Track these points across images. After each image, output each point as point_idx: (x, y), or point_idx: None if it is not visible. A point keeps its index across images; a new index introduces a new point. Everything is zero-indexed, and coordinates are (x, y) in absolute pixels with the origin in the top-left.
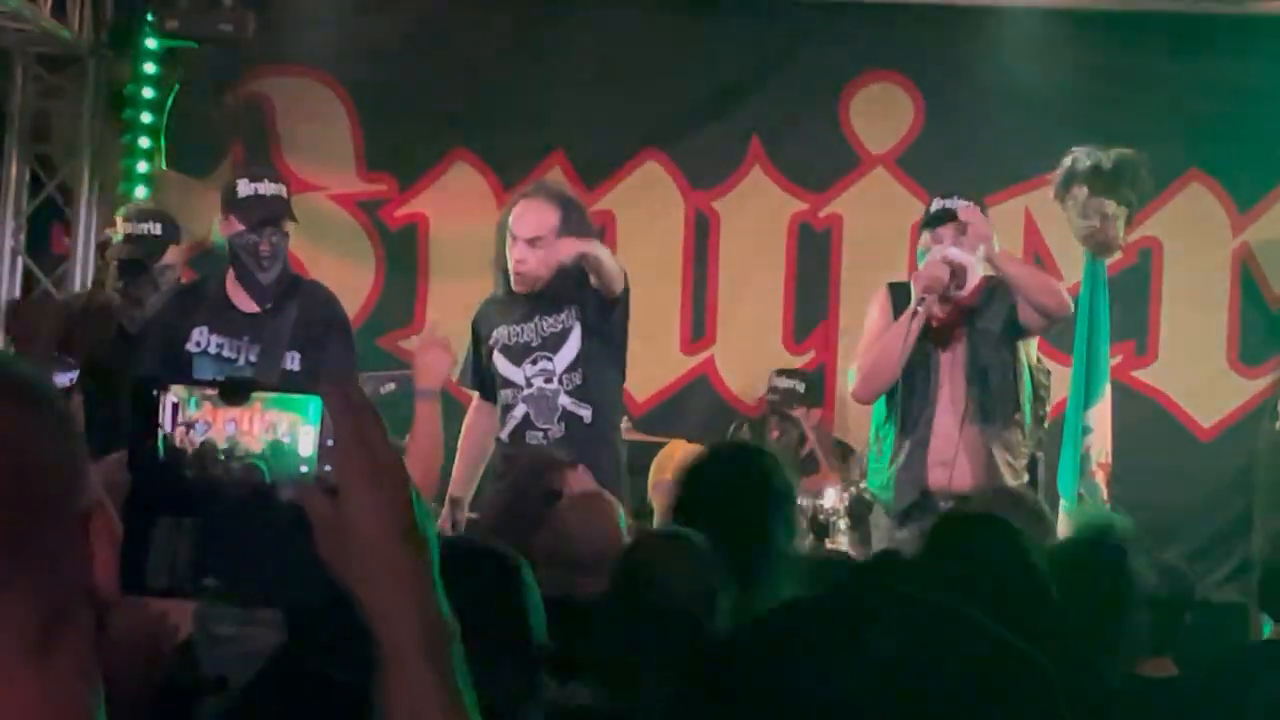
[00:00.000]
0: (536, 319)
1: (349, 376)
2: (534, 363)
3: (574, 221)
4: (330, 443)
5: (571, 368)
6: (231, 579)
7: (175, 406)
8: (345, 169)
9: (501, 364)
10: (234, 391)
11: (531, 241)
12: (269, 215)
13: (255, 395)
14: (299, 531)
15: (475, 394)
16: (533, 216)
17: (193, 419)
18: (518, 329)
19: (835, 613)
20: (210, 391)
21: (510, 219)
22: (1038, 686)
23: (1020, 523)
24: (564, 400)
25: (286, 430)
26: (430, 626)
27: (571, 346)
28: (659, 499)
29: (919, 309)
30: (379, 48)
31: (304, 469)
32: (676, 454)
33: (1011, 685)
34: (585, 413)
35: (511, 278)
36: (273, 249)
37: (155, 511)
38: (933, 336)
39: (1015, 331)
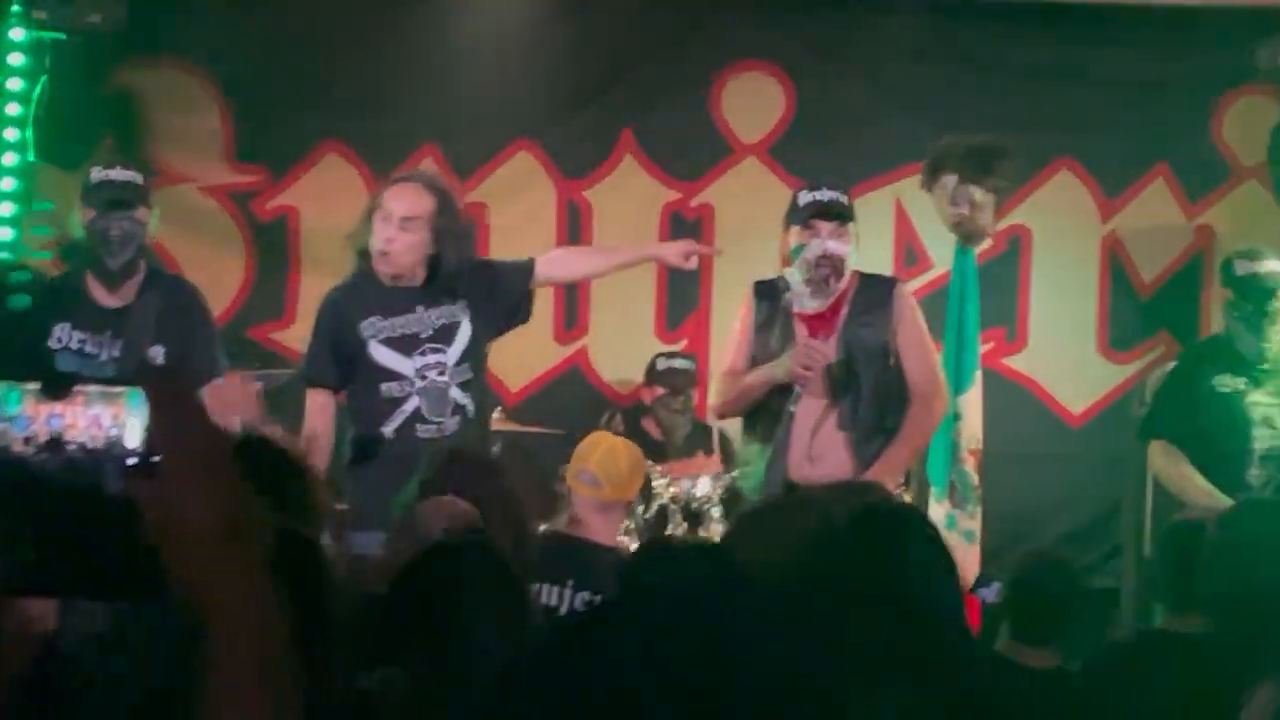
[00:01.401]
0: (420, 310)
1: (170, 369)
2: (424, 354)
3: (448, 211)
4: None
5: (460, 361)
6: (61, 573)
7: None
8: (215, 160)
9: (385, 355)
10: (55, 385)
11: (404, 222)
12: (116, 198)
13: (77, 389)
14: (129, 523)
15: (316, 389)
16: (410, 198)
17: (12, 415)
18: (401, 320)
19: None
20: (32, 385)
21: (384, 199)
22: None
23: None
24: (455, 393)
25: (113, 423)
26: (260, 620)
27: (462, 340)
28: (580, 488)
29: (796, 387)
30: (250, 39)
31: (132, 460)
32: (601, 444)
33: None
34: (471, 407)
35: (375, 258)
36: (122, 233)
37: None
38: (804, 331)
39: (889, 359)
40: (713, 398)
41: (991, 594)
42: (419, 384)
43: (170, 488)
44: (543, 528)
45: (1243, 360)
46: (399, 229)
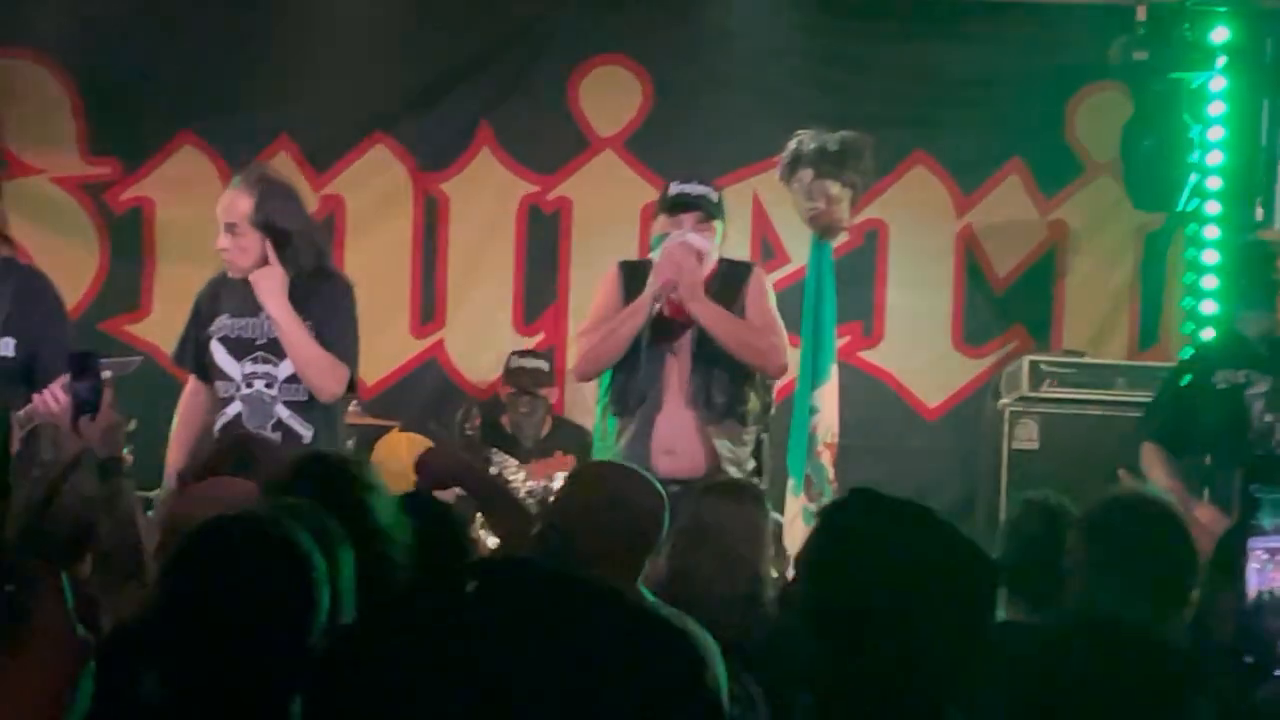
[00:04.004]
0: (261, 315)
1: None
2: (254, 361)
3: (268, 204)
4: None
5: (294, 379)
6: None
7: None
8: (68, 151)
9: (220, 355)
10: None
11: (229, 228)
12: None
13: None
14: None
15: (192, 376)
16: (227, 203)
17: None
18: (242, 322)
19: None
20: None
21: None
22: (682, 656)
23: (744, 508)
24: (280, 410)
25: None
26: None
27: None
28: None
29: (658, 300)
30: (102, 29)
31: None
32: (402, 444)
33: (651, 655)
34: (307, 433)
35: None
36: None
37: None
38: (663, 322)
39: None
40: (572, 360)
41: None
42: (244, 390)
43: None
44: None
45: (1245, 348)
46: (228, 234)
